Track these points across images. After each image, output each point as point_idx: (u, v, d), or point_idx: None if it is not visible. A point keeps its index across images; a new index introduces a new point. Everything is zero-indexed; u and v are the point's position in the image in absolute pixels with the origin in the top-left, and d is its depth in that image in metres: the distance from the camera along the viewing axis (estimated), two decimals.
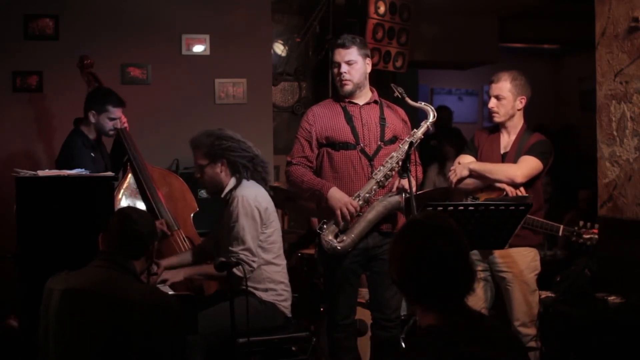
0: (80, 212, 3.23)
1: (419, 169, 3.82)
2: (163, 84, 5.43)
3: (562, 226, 3.85)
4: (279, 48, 6.21)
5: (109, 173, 3.46)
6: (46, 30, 5.19)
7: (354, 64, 3.72)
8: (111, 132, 4.33)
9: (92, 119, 4.26)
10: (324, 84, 6.12)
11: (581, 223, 3.86)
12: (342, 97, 3.80)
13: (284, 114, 6.29)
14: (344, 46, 3.72)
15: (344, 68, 3.71)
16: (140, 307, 2.65)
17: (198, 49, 5.57)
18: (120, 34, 5.27)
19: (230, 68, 5.64)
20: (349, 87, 3.74)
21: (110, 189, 3.33)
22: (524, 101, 3.96)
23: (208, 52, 5.58)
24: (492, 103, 3.97)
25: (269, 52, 5.92)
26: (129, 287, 2.72)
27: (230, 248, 3.64)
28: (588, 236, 3.82)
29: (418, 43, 6.88)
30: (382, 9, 6.08)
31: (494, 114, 3.98)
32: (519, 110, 3.98)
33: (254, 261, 3.62)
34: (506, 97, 3.94)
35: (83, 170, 3.52)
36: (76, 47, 5.14)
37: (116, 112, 4.29)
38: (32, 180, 3.28)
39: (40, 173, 3.33)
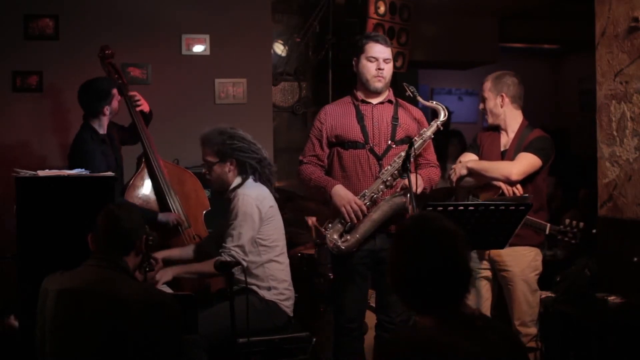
0: (80, 212, 3.22)
1: (434, 170, 3.78)
2: (163, 84, 5.43)
3: (549, 225, 3.76)
4: (279, 48, 6.20)
5: (109, 173, 3.45)
6: (46, 30, 5.19)
7: (389, 63, 3.72)
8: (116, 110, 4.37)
9: (107, 112, 4.28)
10: (324, 84, 6.12)
11: (567, 221, 3.76)
12: (356, 96, 3.76)
13: (284, 114, 6.28)
14: (385, 43, 3.70)
15: (383, 65, 3.69)
16: (136, 306, 2.64)
17: (198, 49, 5.57)
18: (120, 34, 5.26)
19: (230, 68, 5.64)
20: (381, 85, 3.70)
21: (110, 189, 3.33)
22: (504, 99, 3.93)
23: (208, 52, 5.58)
24: (481, 105, 4.01)
25: (269, 52, 5.92)
26: (123, 286, 2.72)
27: (223, 244, 3.63)
28: (572, 234, 3.71)
29: (418, 43, 6.88)
30: (382, 9, 6.08)
31: (485, 116, 4.03)
32: (502, 108, 3.95)
33: (244, 260, 3.59)
34: (487, 97, 3.96)
35: (83, 170, 3.53)
36: (76, 47, 5.16)
37: (117, 91, 4.34)
38: (32, 180, 3.28)
39: (40, 173, 3.33)
